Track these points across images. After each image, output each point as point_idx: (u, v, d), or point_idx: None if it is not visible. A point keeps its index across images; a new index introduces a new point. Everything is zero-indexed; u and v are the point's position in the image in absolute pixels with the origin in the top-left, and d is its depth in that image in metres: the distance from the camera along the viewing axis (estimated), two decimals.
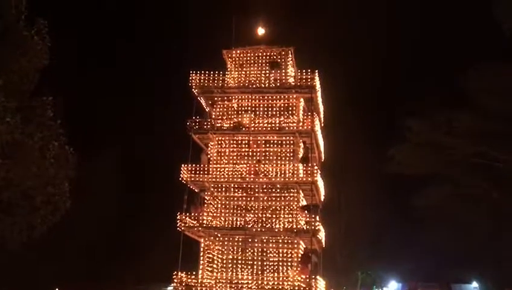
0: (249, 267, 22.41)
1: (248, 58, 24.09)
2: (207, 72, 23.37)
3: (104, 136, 38.94)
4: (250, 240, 22.43)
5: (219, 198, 23.18)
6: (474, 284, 52.26)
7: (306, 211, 22.28)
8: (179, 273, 21.24)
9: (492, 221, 34.45)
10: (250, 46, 24.21)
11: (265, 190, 22.85)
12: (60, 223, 19.68)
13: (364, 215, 39.88)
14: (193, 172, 22.54)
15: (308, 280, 20.47)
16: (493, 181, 33.36)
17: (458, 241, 38.02)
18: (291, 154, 22.95)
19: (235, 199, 23.14)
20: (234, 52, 24.18)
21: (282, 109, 23.42)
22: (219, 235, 22.66)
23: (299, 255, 21.98)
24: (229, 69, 24.14)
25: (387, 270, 50.77)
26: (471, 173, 33.65)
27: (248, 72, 23.80)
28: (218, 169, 22.78)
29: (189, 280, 21.18)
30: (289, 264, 22.06)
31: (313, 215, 22.04)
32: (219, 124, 23.30)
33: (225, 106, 23.91)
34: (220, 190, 23.17)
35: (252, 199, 22.91)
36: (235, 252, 22.89)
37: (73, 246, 33.85)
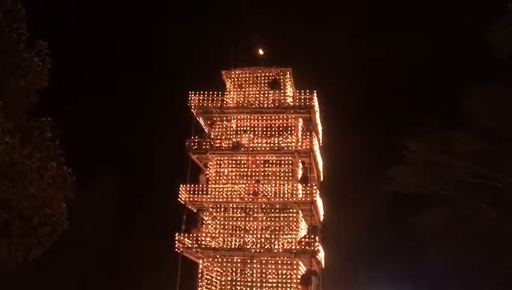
0: (248, 288, 22.22)
1: (247, 79, 24.25)
2: (206, 92, 23.51)
3: (102, 157, 38.86)
4: (249, 261, 22.26)
5: (218, 218, 23.07)
6: None
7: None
8: None
9: (492, 240, 34.30)
10: (249, 66, 24.39)
11: (264, 210, 22.77)
12: (57, 244, 19.49)
13: (364, 235, 39.66)
14: (192, 192, 22.51)
15: None
16: (492, 201, 33.30)
17: (458, 261, 37.78)
18: (290, 174, 22.94)
19: (234, 219, 23.04)
20: (233, 72, 24.34)
21: (280, 129, 23.49)
22: (218, 256, 22.48)
23: (298, 276, 21.78)
24: (228, 90, 24.27)
25: None
26: (470, 193, 33.58)
27: (247, 93, 23.96)
28: (217, 189, 22.75)
29: None
30: (288, 285, 21.87)
31: (312, 236, 21.92)
32: (218, 144, 23.33)
33: (224, 126, 23.98)
34: (218, 210, 23.08)
35: (251, 219, 22.82)
36: (234, 274, 22.72)
37: (71, 267, 33.49)
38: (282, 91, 23.69)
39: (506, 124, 29.53)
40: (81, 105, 38.31)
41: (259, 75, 24.11)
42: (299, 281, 21.54)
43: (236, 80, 24.35)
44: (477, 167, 32.17)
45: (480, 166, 31.93)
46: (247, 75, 24.26)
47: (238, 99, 23.91)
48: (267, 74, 24.05)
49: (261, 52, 24.70)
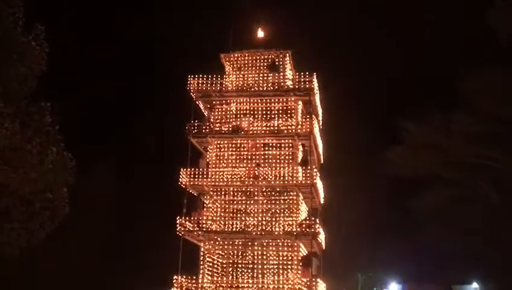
0: (249, 271, 22.39)
1: (246, 62, 24.08)
2: (205, 76, 23.38)
3: (102, 141, 38.91)
4: (250, 243, 22.39)
5: (218, 202, 23.15)
6: (475, 285, 52.22)
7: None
8: (179, 277, 21.20)
9: (491, 221, 34.48)
10: (248, 49, 24.22)
11: (265, 193, 22.82)
12: (59, 229, 19.61)
13: (364, 217, 39.87)
14: (192, 176, 22.53)
15: (309, 283, 20.43)
16: (491, 182, 33.43)
17: (458, 242, 38.04)
18: (290, 157, 22.94)
19: (235, 202, 23.10)
20: (232, 55, 24.17)
21: (280, 112, 23.41)
22: (219, 239, 22.61)
23: (299, 258, 21.93)
24: (227, 73, 24.13)
25: (387, 272, 50.72)
26: (470, 174, 33.70)
27: (246, 76, 23.78)
28: (217, 173, 22.76)
29: (189, 285, 21.14)
30: (289, 267, 22.03)
31: (313, 218, 22.02)
32: (218, 128, 23.28)
33: (223, 109, 23.90)
34: (219, 193, 23.14)
35: (252, 202, 22.88)
36: (235, 256, 22.88)
37: (72, 251, 33.74)
38: (281, 74, 23.55)
39: (505, 106, 29.52)
40: (80, 90, 38.24)
41: (258, 57, 23.93)
42: (300, 262, 21.69)
43: (235, 63, 24.20)
44: (476, 149, 32.24)
45: (479, 148, 31.99)
46: (247, 58, 24.08)
47: (238, 83, 23.78)
48: (266, 57, 23.87)
49: (260, 34, 24.53)
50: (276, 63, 23.59)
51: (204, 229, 22.02)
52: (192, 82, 23.34)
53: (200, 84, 23.32)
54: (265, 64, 23.75)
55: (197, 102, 23.80)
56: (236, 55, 24.14)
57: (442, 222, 36.83)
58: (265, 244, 22.34)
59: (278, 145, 23.15)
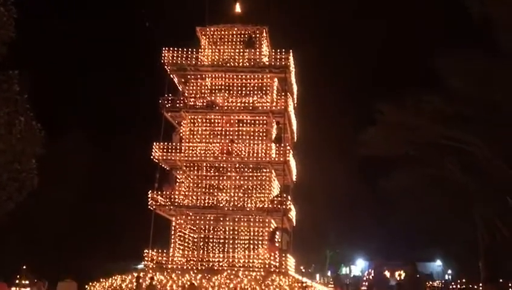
0: (220, 245, 22.58)
1: (222, 36, 23.80)
2: (180, 49, 23.00)
3: (73, 113, 38.17)
4: (221, 219, 22.52)
5: (191, 177, 23.12)
6: (438, 262, 54.17)
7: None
8: (150, 251, 21.22)
9: (458, 202, 35.50)
10: (225, 24, 23.90)
11: (238, 169, 22.89)
12: (28, 201, 19.29)
13: (335, 196, 40.50)
14: (165, 150, 22.35)
15: (277, 258, 20.74)
16: (460, 162, 34.26)
17: (425, 221, 39.14)
18: (264, 134, 22.99)
19: (207, 178, 23.13)
20: (208, 29, 23.84)
21: (255, 88, 23.33)
22: (191, 214, 22.66)
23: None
24: (202, 47, 23.81)
25: (355, 249, 52.06)
26: (439, 155, 34.43)
27: (222, 51, 23.53)
28: (191, 148, 22.65)
29: (160, 258, 21.19)
30: (260, 242, 22.29)
31: (285, 195, 22.24)
32: (192, 103, 23.08)
33: (198, 84, 23.66)
34: (192, 168, 23.09)
35: (224, 178, 22.94)
36: (206, 231, 23.00)
37: (43, 224, 33.31)
38: (257, 50, 23.38)
39: (477, 88, 30.04)
40: (50, 58, 37.20)
41: (235, 33, 23.67)
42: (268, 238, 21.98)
43: (211, 37, 23.89)
44: (447, 130, 32.87)
45: (450, 128, 32.63)
46: (223, 32, 23.78)
47: (213, 57, 23.51)
48: (243, 32, 23.61)
49: (237, 9, 24.19)
50: (253, 39, 23.37)
51: (176, 204, 22.00)
52: (166, 55, 22.95)
53: (174, 58, 22.96)
54: (241, 39, 23.50)
55: (171, 75, 23.47)
56: (212, 29, 23.82)
57: (410, 201, 37.71)
58: (237, 219, 22.50)
59: (252, 121, 23.14)
